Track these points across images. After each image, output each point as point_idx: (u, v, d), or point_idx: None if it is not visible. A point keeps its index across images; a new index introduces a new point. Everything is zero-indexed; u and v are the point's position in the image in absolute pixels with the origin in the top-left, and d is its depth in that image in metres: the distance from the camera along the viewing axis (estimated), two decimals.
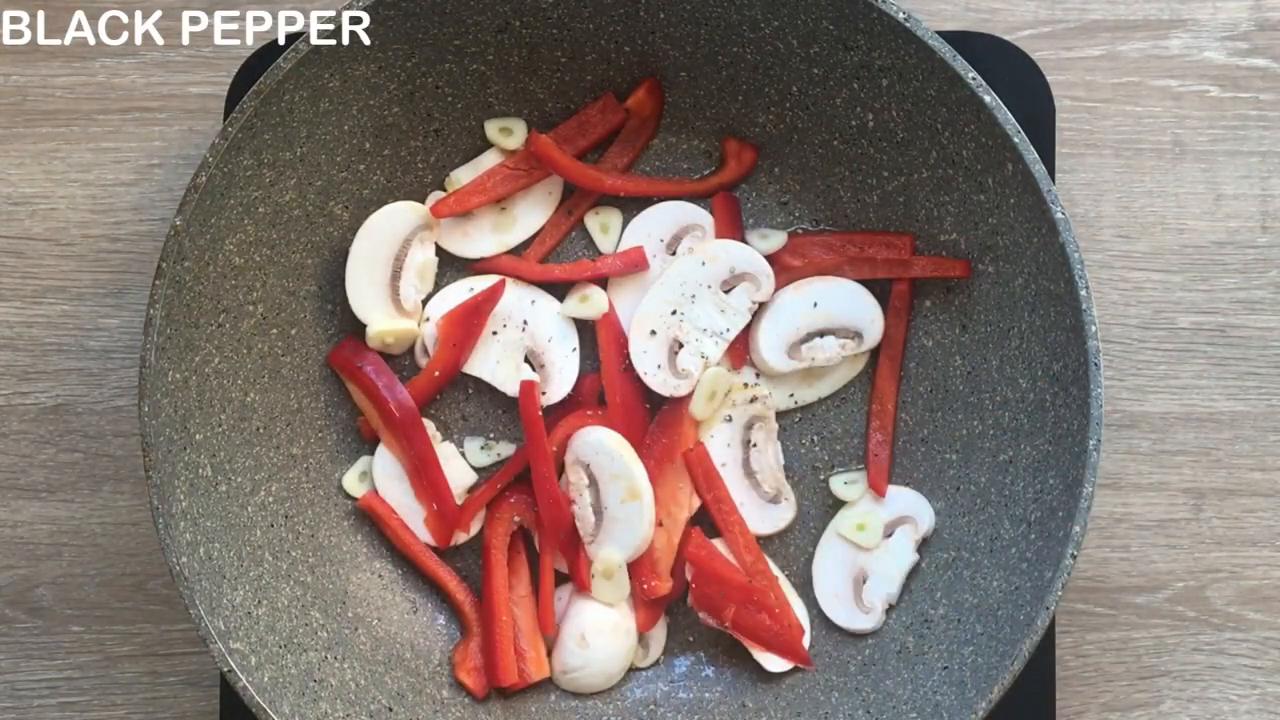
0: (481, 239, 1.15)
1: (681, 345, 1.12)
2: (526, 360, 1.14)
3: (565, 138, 1.14)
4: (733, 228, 1.14)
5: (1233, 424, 1.17)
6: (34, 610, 1.18)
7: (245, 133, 1.02)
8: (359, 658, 1.09)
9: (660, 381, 1.12)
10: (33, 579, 1.18)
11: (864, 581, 1.11)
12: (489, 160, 1.15)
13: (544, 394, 1.13)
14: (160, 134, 1.19)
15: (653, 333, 1.12)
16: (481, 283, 1.14)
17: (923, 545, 1.11)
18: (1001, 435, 1.08)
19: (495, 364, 1.13)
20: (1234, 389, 1.17)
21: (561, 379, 1.13)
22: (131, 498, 1.18)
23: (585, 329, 1.14)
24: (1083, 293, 1.01)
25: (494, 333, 1.13)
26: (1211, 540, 1.17)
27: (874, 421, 1.13)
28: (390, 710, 1.08)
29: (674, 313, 1.12)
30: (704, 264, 1.12)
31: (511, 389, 1.13)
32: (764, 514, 1.13)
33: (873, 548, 1.11)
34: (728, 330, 1.12)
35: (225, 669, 1.01)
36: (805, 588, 1.13)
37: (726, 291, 1.12)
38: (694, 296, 1.12)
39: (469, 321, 1.12)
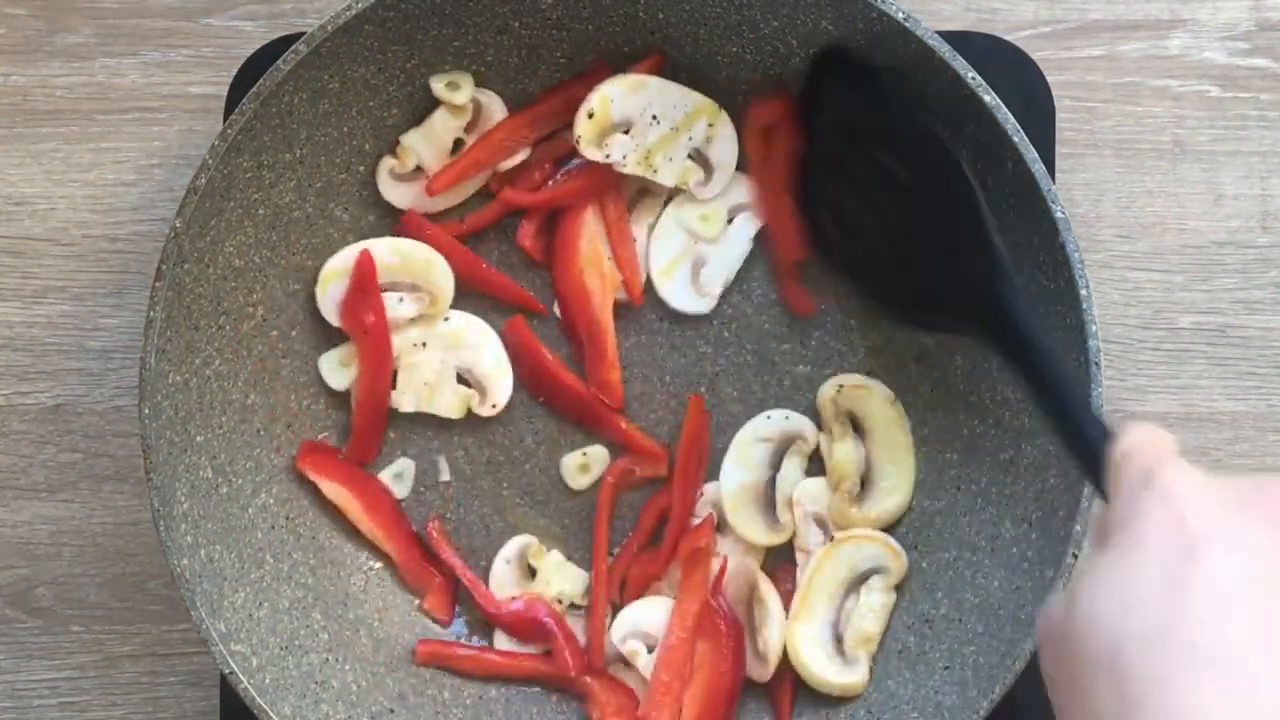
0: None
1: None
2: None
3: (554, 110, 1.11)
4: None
5: (1233, 424, 1.17)
6: (34, 610, 1.18)
7: (244, 134, 1.02)
8: (360, 660, 1.09)
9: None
10: (33, 579, 1.18)
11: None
12: (438, 120, 1.10)
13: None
14: (160, 134, 1.19)
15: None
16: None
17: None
18: (1002, 434, 1.08)
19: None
20: (1234, 389, 1.17)
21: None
22: (131, 498, 1.18)
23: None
24: (1083, 293, 1.01)
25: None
26: None
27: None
28: (392, 712, 1.08)
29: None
30: None
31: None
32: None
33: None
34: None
35: (226, 671, 1.01)
36: None
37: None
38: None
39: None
